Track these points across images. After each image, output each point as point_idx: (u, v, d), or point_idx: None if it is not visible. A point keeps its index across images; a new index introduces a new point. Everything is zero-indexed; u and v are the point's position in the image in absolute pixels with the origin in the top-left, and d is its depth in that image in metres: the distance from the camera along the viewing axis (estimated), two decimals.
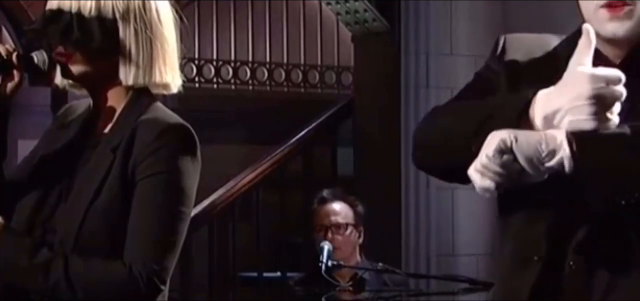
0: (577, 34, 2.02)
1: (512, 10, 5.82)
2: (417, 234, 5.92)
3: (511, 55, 2.06)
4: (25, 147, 2.72)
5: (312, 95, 7.89)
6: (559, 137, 1.83)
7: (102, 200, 2.19)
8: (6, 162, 2.29)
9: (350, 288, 4.51)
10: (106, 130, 2.29)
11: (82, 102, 2.38)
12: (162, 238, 2.19)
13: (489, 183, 1.86)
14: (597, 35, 1.96)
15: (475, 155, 1.90)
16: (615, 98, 1.84)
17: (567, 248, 1.95)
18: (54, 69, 2.28)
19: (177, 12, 2.36)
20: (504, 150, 1.82)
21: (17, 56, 2.22)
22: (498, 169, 1.84)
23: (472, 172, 1.88)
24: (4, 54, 2.21)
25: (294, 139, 6.54)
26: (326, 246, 4.37)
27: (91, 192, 2.20)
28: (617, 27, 1.97)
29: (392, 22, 6.20)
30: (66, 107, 2.42)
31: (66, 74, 2.27)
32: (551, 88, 1.88)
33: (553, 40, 2.10)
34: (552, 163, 1.82)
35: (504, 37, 2.13)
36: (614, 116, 1.85)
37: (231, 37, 7.83)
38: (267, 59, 7.92)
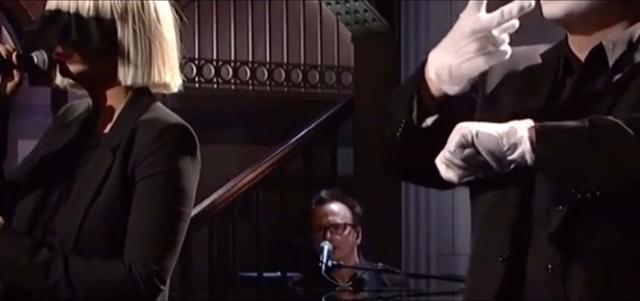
0: (560, 41, 2.02)
1: None
2: (417, 234, 5.92)
3: (493, 70, 2.05)
4: (25, 147, 2.73)
5: (312, 95, 7.89)
6: (520, 130, 1.83)
7: (102, 200, 2.19)
8: (6, 161, 2.30)
9: (350, 288, 4.51)
10: (106, 130, 2.29)
11: (82, 101, 2.38)
12: (162, 238, 2.19)
13: (452, 175, 1.87)
14: (578, 44, 1.97)
15: (401, 138, 1.95)
16: (492, 29, 1.86)
17: (534, 246, 1.93)
18: (54, 68, 2.28)
19: (177, 12, 2.36)
20: (465, 145, 1.83)
21: (17, 56, 2.23)
22: (461, 163, 1.84)
23: (438, 162, 1.88)
24: (4, 54, 2.21)
25: (294, 139, 6.54)
26: (326, 246, 4.37)
27: (91, 192, 2.20)
28: (553, 8, 1.96)
29: (392, 22, 6.20)
30: (66, 106, 2.42)
31: (66, 73, 2.27)
32: (438, 46, 1.94)
33: (541, 50, 2.09)
34: (515, 156, 1.83)
35: None
36: (502, 47, 1.87)
37: (231, 37, 7.83)
38: (267, 59, 7.92)
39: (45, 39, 2.24)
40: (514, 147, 1.83)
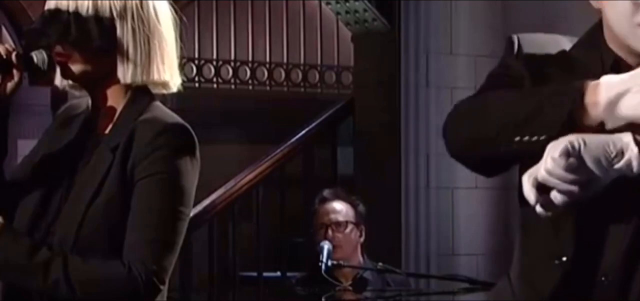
0: (589, 37, 2.00)
1: (512, 10, 5.82)
2: (417, 234, 5.92)
3: (529, 51, 2.03)
4: (25, 147, 2.72)
5: (312, 95, 7.89)
6: (626, 137, 1.79)
7: (101, 200, 2.19)
8: (6, 161, 2.29)
9: (350, 288, 4.51)
10: (106, 130, 2.29)
11: (82, 101, 2.38)
12: (161, 238, 2.18)
13: (532, 197, 1.79)
14: (632, 51, 1.94)
15: (519, 146, 1.86)
16: None
17: (597, 255, 1.92)
18: (54, 68, 2.28)
19: (177, 12, 2.36)
20: (571, 153, 1.77)
21: (17, 56, 2.22)
22: (563, 173, 1.77)
23: (526, 179, 1.81)
24: (3, 53, 2.21)
25: (294, 139, 6.53)
26: (326, 246, 4.36)
27: (90, 192, 2.20)
28: None
29: (392, 22, 6.19)
30: (66, 105, 2.42)
31: (65, 73, 2.27)
32: (615, 75, 1.85)
33: (562, 41, 2.07)
34: (621, 164, 1.78)
35: (517, 37, 2.09)
36: None
37: (231, 37, 7.83)
38: (267, 59, 7.92)
39: (45, 38, 2.24)
40: (621, 153, 1.79)
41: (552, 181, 1.78)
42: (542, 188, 1.81)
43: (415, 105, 5.93)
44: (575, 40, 2.08)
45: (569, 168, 1.78)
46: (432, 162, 5.89)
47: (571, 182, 1.78)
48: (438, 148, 5.83)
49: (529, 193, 1.81)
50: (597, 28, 2.03)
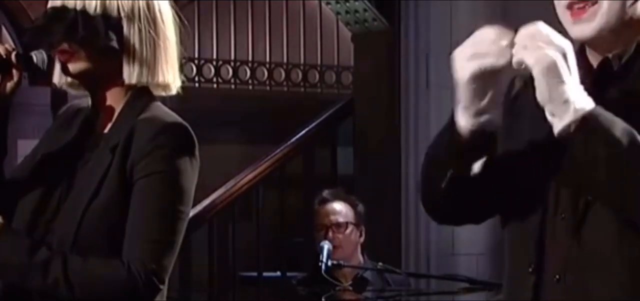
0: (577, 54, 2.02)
1: (513, 10, 5.82)
2: (417, 234, 5.92)
3: (514, 89, 2.06)
4: (25, 147, 2.72)
5: (312, 95, 7.89)
6: None
7: (100, 200, 2.19)
8: (6, 161, 2.30)
9: (350, 288, 4.51)
10: (105, 130, 2.29)
11: (82, 101, 2.38)
12: (161, 238, 2.19)
13: None
14: (570, 38, 1.96)
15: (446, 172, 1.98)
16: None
17: (547, 257, 1.94)
18: (54, 68, 2.28)
19: (176, 12, 2.36)
20: None
21: (17, 55, 2.22)
22: None
23: None
24: (3, 53, 2.21)
25: (294, 139, 6.54)
26: (326, 246, 4.36)
27: (90, 191, 2.20)
28: (583, 30, 1.95)
29: (392, 22, 6.20)
30: (67, 106, 2.42)
31: (67, 71, 2.27)
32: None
33: None
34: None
35: (516, 76, 2.11)
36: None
37: (231, 37, 7.83)
38: (267, 59, 7.92)
39: (50, 36, 2.23)
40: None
41: None
42: None
43: (415, 105, 5.93)
44: None
45: None
46: None
47: None
48: None
49: None
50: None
